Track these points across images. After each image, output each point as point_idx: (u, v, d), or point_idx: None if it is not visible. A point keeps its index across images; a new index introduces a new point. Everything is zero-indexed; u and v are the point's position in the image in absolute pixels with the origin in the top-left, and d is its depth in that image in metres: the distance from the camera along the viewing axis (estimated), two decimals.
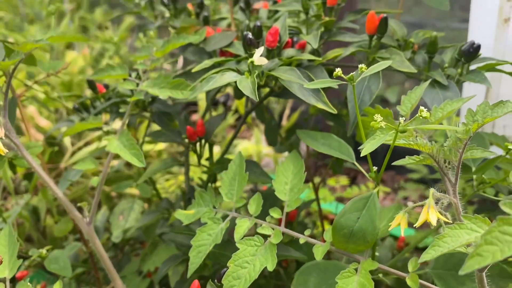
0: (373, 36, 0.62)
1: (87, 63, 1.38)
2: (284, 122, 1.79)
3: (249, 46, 0.57)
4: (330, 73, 0.75)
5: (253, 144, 1.40)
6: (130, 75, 0.67)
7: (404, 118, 0.54)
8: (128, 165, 1.06)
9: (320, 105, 0.56)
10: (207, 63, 0.63)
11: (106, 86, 0.89)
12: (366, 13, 0.69)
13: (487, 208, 0.77)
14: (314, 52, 0.64)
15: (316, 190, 0.87)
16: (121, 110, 0.68)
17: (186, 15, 0.92)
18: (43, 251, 0.70)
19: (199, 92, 0.56)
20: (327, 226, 1.21)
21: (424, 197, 0.42)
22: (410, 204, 0.45)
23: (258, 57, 0.54)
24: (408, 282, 0.46)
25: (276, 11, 0.85)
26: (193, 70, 0.63)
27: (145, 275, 0.79)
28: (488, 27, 0.78)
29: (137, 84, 0.65)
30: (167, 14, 0.94)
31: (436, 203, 0.44)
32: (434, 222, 0.41)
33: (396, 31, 0.67)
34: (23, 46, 0.58)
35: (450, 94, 0.59)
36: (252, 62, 0.55)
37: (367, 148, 0.42)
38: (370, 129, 0.62)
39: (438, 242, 0.37)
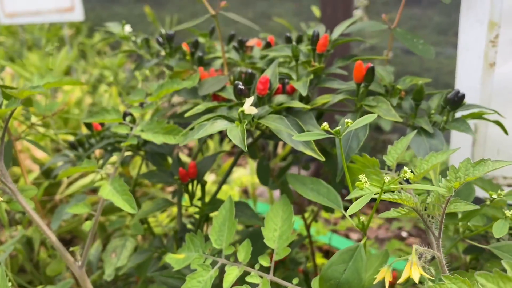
0: (361, 84, 0.64)
1: (84, 92, 1.39)
2: (280, 150, 1.81)
3: (240, 96, 0.58)
4: (321, 115, 0.77)
5: (248, 175, 1.41)
6: (125, 118, 0.68)
7: (390, 169, 0.56)
8: None
9: (309, 152, 0.58)
10: (200, 108, 0.65)
11: (102, 124, 0.91)
12: (355, 59, 0.71)
13: (476, 248, 0.77)
14: (303, 98, 0.66)
15: (307, 227, 0.88)
16: (114, 155, 0.69)
17: (181, 54, 0.95)
18: None
19: (190, 140, 0.57)
20: (320, 260, 1.22)
21: (417, 227, 0.43)
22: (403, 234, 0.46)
23: (248, 106, 0.56)
24: None
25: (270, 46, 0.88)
26: (186, 115, 0.64)
27: None
28: (474, 70, 0.80)
29: (131, 128, 0.67)
30: (162, 53, 0.96)
31: (420, 257, 0.45)
32: (416, 280, 0.42)
33: (383, 77, 0.69)
34: (20, 93, 0.60)
35: (436, 142, 0.60)
36: (242, 111, 0.56)
37: (353, 208, 0.44)
38: (357, 176, 0.63)
39: None
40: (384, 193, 0.46)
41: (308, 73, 0.67)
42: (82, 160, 0.87)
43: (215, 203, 0.73)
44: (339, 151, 0.58)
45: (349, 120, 0.51)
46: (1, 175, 0.58)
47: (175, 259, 0.60)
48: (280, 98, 0.64)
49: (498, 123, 0.67)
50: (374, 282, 0.47)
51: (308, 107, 0.61)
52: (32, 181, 1.16)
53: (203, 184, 0.74)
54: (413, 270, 0.42)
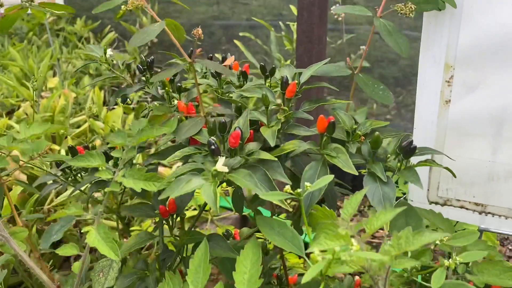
0: (324, 134, 0.71)
1: (68, 101, 1.43)
2: None
3: (213, 153, 0.64)
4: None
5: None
6: (107, 161, 0.74)
7: (346, 224, 0.63)
8: None
9: (277, 202, 0.65)
10: (177, 155, 0.71)
11: (87, 147, 0.96)
12: (321, 104, 0.77)
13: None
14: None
15: (281, 251, 0.96)
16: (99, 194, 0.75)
17: (161, 82, 0.99)
18: None
19: (167, 196, 0.63)
20: (294, 260, 1.31)
21: None
22: None
23: (221, 166, 0.62)
24: None
25: (245, 79, 0.94)
26: (165, 161, 0.70)
27: None
28: (432, 105, 0.87)
29: (114, 172, 0.73)
30: (144, 78, 1.00)
31: None
32: None
33: (345, 122, 0.76)
34: (9, 148, 0.65)
35: (388, 190, 0.68)
36: (215, 170, 0.62)
37: (306, 278, 0.51)
38: (317, 222, 0.71)
39: None
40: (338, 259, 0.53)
41: (277, 122, 0.73)
42: (68, 180, 0.93)
43: (193, 235, 0.80)
44: (302, 206, 0.65)
45: (308, 184, 0.57)
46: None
47: None
48: (250, 146, 0.70)
49: (447, 168, 0.74)
50: None
51: (276, 159, 0.67)
52: (21, 193, 1.21)
53: (182, 217, 0.81)
54: None
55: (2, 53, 2.33)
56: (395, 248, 0.53)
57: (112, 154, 0.74)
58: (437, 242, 0.65)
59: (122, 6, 0.72)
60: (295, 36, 1.93)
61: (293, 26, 2.12)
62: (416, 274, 0.68)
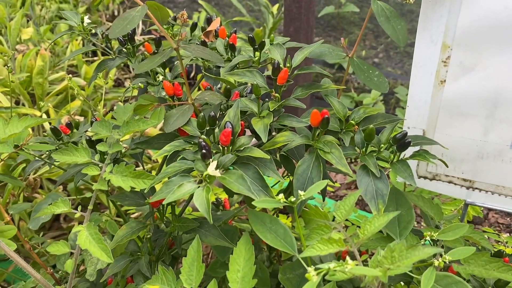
0: (317, 128, 0.69)
1: (45, 62, 1.36)
2: None
3: (204, 157, 0.62)
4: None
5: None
6: (93, 156, 0.72)
7: (339, 227, 0.63)
8: None
9: (271, 208, 0.64)
10: (166, 149, 0.69)
11: (70, 125, 0.92)
12: (314, 90, 0.74)
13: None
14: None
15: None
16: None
17: (143, 55, 0.94)
18: None
19: (158, 199, 0.62)
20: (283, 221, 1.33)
21: None
22: None
23: (212, 170, 0.61)
24: None
25: (233, 51, 0.89)
26: (153, 157, 0.68)
27: None
28: (426, 85, 0.84)
29: (101, 168, 0.70)
30: (124, 50, 0.95)
31: None
32: None
33: (338, 111, 0.74)
34: None
35: (381, 185, 0.67)
36: (208, 174, 0.61)
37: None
38: (310, 219, 0.71)
39: None
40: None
41: (269, 114, 0.71)
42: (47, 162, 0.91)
43: (185, 222, 0.80)
44: (295, 212, 0.64)
45: (301, 193, 0.57)
46: None
47: None
48: (242, 141, 0.68)
49: (442, 161, 0.73)
50: None
51: (268, 157, 0.66)
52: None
53: (173, 206, 0.80)
54: None
55: None
56: (388, 260, 0.53)
57: (97, 148, 0.71)
58: (427, 237, 0.66)
59: None
60: None
61: None
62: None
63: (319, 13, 2.50)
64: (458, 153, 0.90)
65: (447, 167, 0.76)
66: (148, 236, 0.87)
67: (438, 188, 0.95)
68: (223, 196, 1.21)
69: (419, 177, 0.96)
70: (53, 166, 0.90)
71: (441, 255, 0.63)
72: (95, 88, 1.66)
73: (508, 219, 1.61)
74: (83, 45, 1.93)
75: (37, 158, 0.91)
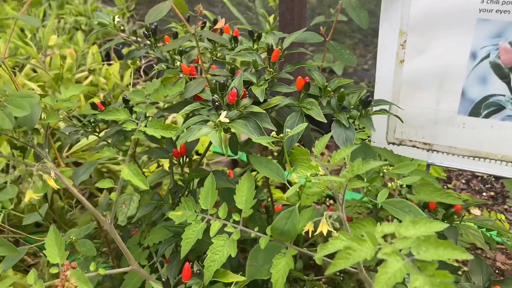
0: (301, 92, 0.91)
1: (74, 59, 1.59)
2: None
3: (217, 109, 0.84)
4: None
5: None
6: (131, 115, 0.93)
7: (316, 158, 0.84)
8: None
9: (265, 144, 0.85)
10: (187, 108, 0.91)
11: (103, 103, 1.15)
12: (299, 66, 0.96)
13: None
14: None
15: (268, 187, 1.19)
16: (126, 144, 0.95)
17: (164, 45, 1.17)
18: (73, 237, 0.99)
19: (183, 141, 0.83)
20: (279, 194, 1.54)
21: None
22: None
23: (223, 117, 0.82)
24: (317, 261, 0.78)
25: (236, 42, 1.12)
26: (178, 114, 0.90)
27: (144, 247, 1.10)
28: (390, 65, 1.07)
29: (137, 124, 0.92)
30: (148, 42, 1.18)
31: (330, 217, 0.75)
32: (325, 233, 0.72)
33: (318, 81, 0.96)
34: (56, 106, 0.84)
35: (349, 133, 0.89)
36: (219, 121, 0.82)
37: (289, 192, 0.72)
38: (296, 158, 0.92)
39: (324, 246, 0.69)
40: (309, 180, 0.75)
41: (265, 81, 0.93)
42: (86, 132, 1.12)
43: (199, 171, 1.01)
44: (284, 146, 0.86)
45: (288, 130, 0.78)
46: (52, 167, 0.84)
47: (175, 216, 0.89)
48: (244, 101, 0.90)
49: (396, 116, 0.95)
50: (303, 231, 0.77)
51: (264, 112, 0.87)
52: None
53: (191, 158, 1.02)
54: (324, 227, 0.73)
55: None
56: (349, 172, 0.75)
57: (134, 109, 0.93)
58: (385, 170, 0.87)
59: None
60: None
61: None
62: (369, 195, 0.91)
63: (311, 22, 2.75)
64: (418, 120, 1.12)
65: (402, 122, 0.98)
66: (170, 187, 1.09)
67: (404, 152, 1.17)
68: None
69: (389, 143, 1.18)
70: (83, 143, 1.12)
71: (394, 180, 0.84)
72: (113, 87, 1.89)
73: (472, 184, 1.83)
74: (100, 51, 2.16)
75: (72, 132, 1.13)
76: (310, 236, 0.77)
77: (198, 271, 0.82)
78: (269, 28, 2.22)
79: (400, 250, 0.59)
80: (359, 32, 3.27)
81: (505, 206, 1.69)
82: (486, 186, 1.81)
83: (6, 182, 0.89)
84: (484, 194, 1.77)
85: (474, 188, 1.80)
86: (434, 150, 1.15)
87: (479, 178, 1.86)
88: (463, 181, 1.84)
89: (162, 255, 1.02)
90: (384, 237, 0.62)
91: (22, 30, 2.18)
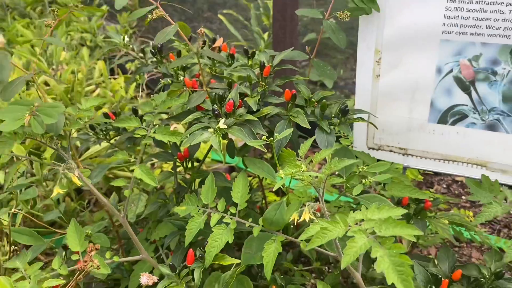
0: (289, 102, 1.05)
1: (84, 74, 1.73)
2: None
3: (216, 117, 0.98)
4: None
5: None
6: (142, 123, 1.08)
7: (301, 159, 0.98)
8: None
9: (258, 147, 1.00)
10: (191, 117, 1.05)
11: (114, 113, 1.29)
12: (288, 81, 1.11)
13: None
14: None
15: (260, 182, 1.32)
16: (137, 148, 1.09)
17: (169, 62, 1.32)
18: (89, 231, 1.12)
19: (188, 144, 0.97)
20: (272, 198, 1.68)
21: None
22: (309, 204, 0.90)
23: (222, 124, 0.97)
24: (301, 245, 0.92)
25: (232, 59, 1.27)
26: (182, 122, 1.04)
27: (151, 242, 1.23)
28: (367, 78, 1.22)
29: (147, 130, 1.06)
30: (154, 59, 1.33)
31: (312, 207, 0.89)
32: (307, 220, 0.86)
33: (304, 93, 1.10)
34: (78, 115, 0.98)
35: (330, 138, 1.03)
36: (218, 127, 0.97)
37: (277, 186, 0.86)
38: (284, 159, 1.06)
39: (307, 230, 0.82)
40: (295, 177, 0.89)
41: (258, 93, 1.08)
42: (98, 139, 1.26)
43: (201, 172, 1.15)
44: (273, 148, 1.00)
45: (277, 134, 0.93)
46: (75, 167, 0.97)
47: (180, 210, 1.03)
48: (240, 111, 1.05)
49: (371, 123, 1.10)
50: (290, 220, 0.91)
51: (257, 119, 1.02)
52: None
53: (193, 161, 1.16)
54: (306, 216, 0.86)
55: (8, 28, 2.57)
56: (328, 169, 0.89)
57: (145, 118, 1.08)
58: (360, 169, 1.01)
59: (149, 15, 1.03)
60: (271, 12, 2.22)
61: (270, 3, 2.42)
62: (348, 191, 1.05)
63: (304, 38, 2.92)
64: (394, 127, 1.26)
65: (377, 128, 1.13)
66: (174, 188, 1.23)
67: (383, 156, 1.31)
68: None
69: (369, 148, 1.32)
70: (93, 151, 1.26)
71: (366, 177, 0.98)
72: (119, 100, 2.03)
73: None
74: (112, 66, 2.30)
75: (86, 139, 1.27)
76: (295, 225, 0.91)
77: (200, 255, 0.95)
78: (264, 44, 2.37)
79: (366, 230, 0.72)
80: (350, 48, 3.44)
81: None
82: (465, 190, 1.95)
83: (32, 182, 1.03)
84: (463, 197, 1.91)
85: (454, 192, 1.94)
86: (409, 154, 1.29)
87: (459, 183, 2.01)
88: (444, 186, 1.98)
89: (167, 248, 1.15)
90: (357, 224, 0.76)
91: (32, 46, 2.34)
